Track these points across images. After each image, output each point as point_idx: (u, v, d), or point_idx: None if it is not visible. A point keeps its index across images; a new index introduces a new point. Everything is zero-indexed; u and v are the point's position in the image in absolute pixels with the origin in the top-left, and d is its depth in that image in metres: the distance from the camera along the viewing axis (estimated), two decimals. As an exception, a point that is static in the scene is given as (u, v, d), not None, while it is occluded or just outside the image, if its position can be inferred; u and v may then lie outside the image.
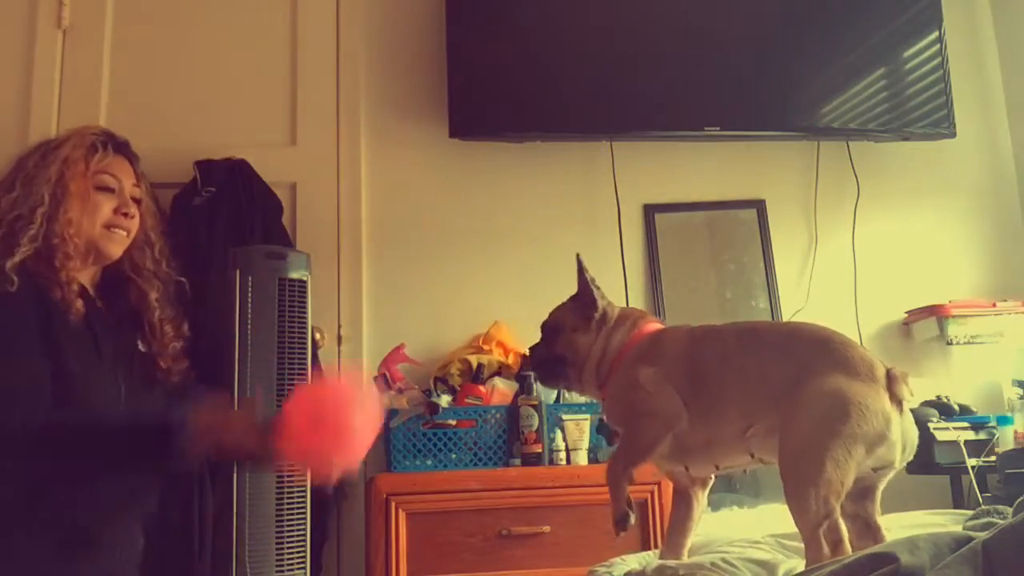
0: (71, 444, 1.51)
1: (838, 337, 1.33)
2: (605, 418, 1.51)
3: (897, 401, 1.24)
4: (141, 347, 1.75)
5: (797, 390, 1.24)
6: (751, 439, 1.30)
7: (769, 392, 1.27)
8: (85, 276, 1.71)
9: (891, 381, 1.24)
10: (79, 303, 1.63)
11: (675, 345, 1.39)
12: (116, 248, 1.73)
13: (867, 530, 1.28)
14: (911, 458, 1.28)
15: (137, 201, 1.76)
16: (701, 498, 1.44)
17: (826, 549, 1.16)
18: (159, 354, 1.77)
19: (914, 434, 1.27)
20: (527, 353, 1.56)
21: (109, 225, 1.70)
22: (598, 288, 1.48)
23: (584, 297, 1.49)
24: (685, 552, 1.42)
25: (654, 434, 1.33)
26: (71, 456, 1.51)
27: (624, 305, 1.61)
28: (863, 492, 1.27)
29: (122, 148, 1.77)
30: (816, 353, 1.28)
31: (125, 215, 1.72)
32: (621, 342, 1.44)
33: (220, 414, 1.56)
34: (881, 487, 1.30)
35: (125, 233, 1.73)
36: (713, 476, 1.44)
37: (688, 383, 1.33)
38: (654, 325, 1.48)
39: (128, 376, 1.70)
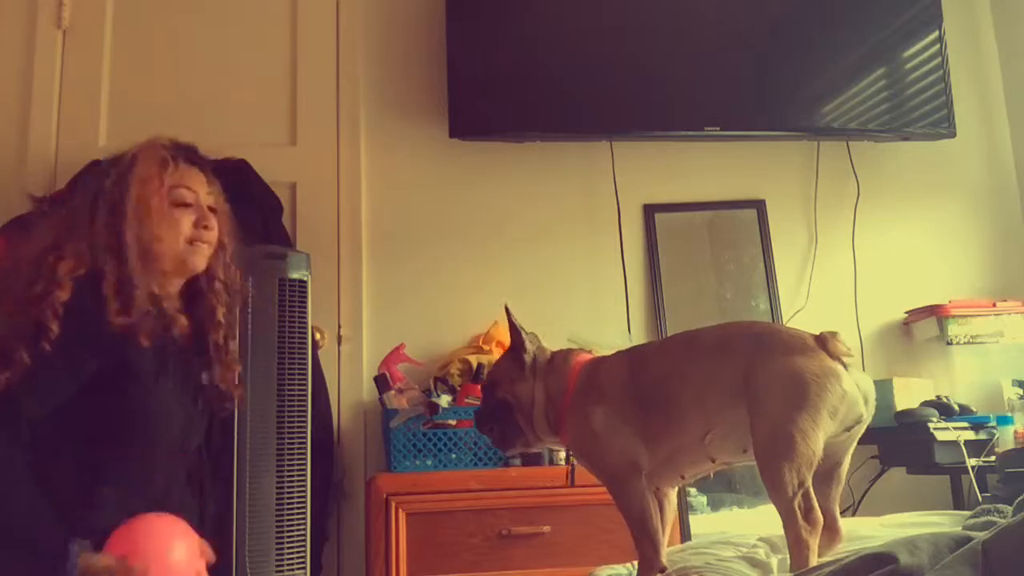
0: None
1: (766, 327, 1.43)
2: (572, 460, 1.52)
3: (838, 359, 1.30)
4: (204, 378, 1.73)
5: (751, 383, 1.29)
6: (710, 444, 1.35)
7: (719, 394, 1.33)
8: (164, 286, 1.70)
9: (824, 344, 1.30)
10: (182, 319, 1.64)
11: (613, 376, 1.41)
12: (202, 261, 1.72)
13: (827, 530, 1.31)
14: (874, 410, 1.33)
15: (212, 209, 1.75)
16: (672, 498, 1.47)
17: (801, 521, 1.22)
18: (222, 379, 1.74)
19: (869, 383, 1.33)
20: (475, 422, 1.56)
21: (192, 240, 1.70)
22: (528, 333, 1.49)
23: (514, 343, 1.49)
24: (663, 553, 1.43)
25: (637, 497, 1.35)
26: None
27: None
28: (827, 473, 1.32)
29: (191, 157, 1.77)
30: (752, 346, 1.33)
31: (206, 228, 1.71)
32: (564, 381, 1.44)
33: None
34: (846, 464, 1.35)
35: (207, 245, 1.72)
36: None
37: (638, 407, 1.37)
38: (584, 356, 1.50)
39: (187, 403, 1.69)
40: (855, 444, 1.36)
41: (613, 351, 1.54)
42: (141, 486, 1.61)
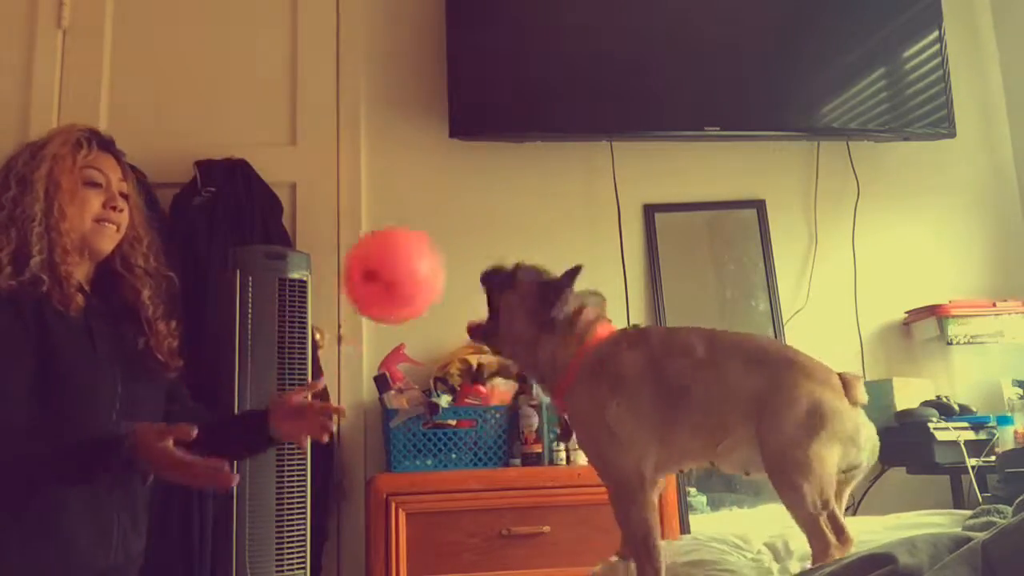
0: (25, 462, 1.52)
1: (798, 352, 1.38)
2: (566, 424, 1.45)
3: (855, 404, 1.30)
4: (139, 344, 1.75)
5: (773, 398, 1.28)
6: (721, 453, 1.33)
7: (740, 404, 1.31)
8: (80, 272, 1.72)
9: (847, 386, 1.31)
10: (79, 298, 1.64)
11: (632, 366, 1.36)
12: (107, 243, 1.74)
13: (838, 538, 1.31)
14: (875, 460, 1.33)
15: (125, 196, 1.77)
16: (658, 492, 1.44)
17: (831, 537, 1.21)
18: (156, 348, 1.77)
19: (875, 436, 1.33)
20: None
21: (99, 219, 1.71)
22: (591, 295, 1.44)
23: (552, 294, 1.42)
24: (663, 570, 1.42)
25: (641, 511, 1.32)
26: (25, 471, 1.52)
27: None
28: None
29: (107, 145, 1.79)
30: (782, 365, 1.32)
31: (114, 208, 1.73)
32: (571, 349, 1.39)
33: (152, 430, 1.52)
34: (847, 491, 1.34)
35: (115, 227, 1.74)
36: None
37: (656, 400, 1.34)
38: (607, 328, 1.44)
39: (125, 371, 1.70)
40: (850, 489, 1.34)
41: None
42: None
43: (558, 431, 1.48)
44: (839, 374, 1.33)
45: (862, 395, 1.31)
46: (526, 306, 1.44)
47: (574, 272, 1.43)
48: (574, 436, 1.46)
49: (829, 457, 1.24)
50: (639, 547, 1.32)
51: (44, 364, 1.58)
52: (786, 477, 1.24)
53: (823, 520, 1.21)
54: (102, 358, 1.67)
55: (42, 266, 1.60)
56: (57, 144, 1.71)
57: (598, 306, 1.48)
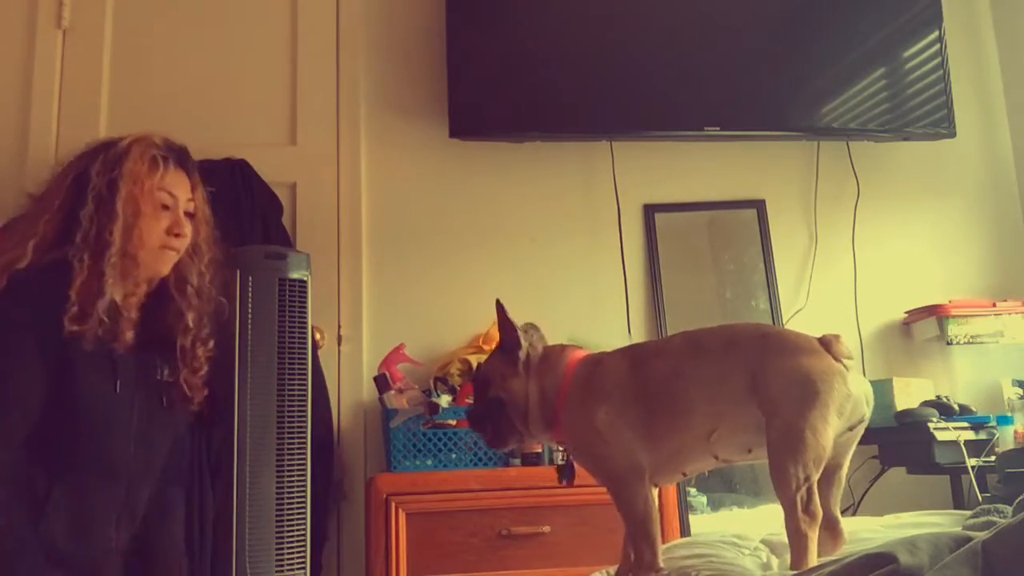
0: None
1: (772, 328, 1.45)
2: (567, 457, 1.50)
3: (840, 361, 1.32)
4: (165, 375, 1.72)
5: (761, 384, 1.31)
6: (715, 442, 1.35)
7: (727, 393, 1.34)
8: (136, 300, 1.69)
9: (827, 346, 1.33)
10: (129, 335, 1.61)
11: (615, 374, 1.40)
12: (166, 268, 1.70)
13: (829, 532, 1.33)
14: (871, 412, 1.36)
15: (190, 215, 1.74)
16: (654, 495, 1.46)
17: (800, 511, 1.24)
18: (186, 381, 1.73)
19: (868, 386, 1.36)
20: (467, 420, 1.54)
21: (162, 246, 1.68)
22: (525, 326, 1.47)
23: (507, 340, 1.47)
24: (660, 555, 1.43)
25: (640, 499, 1.35)
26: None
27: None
28: (828, 476, 1.33)
29: (182, 160, 1.74)
30: (760, 347, 1.35)
31: (177, 235, 1.70)
32: (558, 378, 1.43)
33: None
34: (846, 466, 1.37)
35: (175, 252, 1.71)
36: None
37: (641, 405, 1.37)
38: (579, 353, 1.48)
39: (146, 400, 1.68)
40: (855, 445, 1.37)
41: (610, 349, 1.53)
42: (98, 489, 1.59)
43: (561, 475, 1.50)
44: (819, 338, 1.35)
45: (844, 351, 1.33)
46: (503, 373, 1.46)
47: (500, 310, 1.47)
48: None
49: (826, 427, 1.26)
50: (637, 532, 1.35)
51: (61, 394, 1.56)
52: (780, 454, 1.27)
53: (800, 495, 1.24)
54: (124, 388, 1.63)
55: (108, 308, 1.56)
56: (135, 161, 1.65)
57: (543, 338, 1.51)
